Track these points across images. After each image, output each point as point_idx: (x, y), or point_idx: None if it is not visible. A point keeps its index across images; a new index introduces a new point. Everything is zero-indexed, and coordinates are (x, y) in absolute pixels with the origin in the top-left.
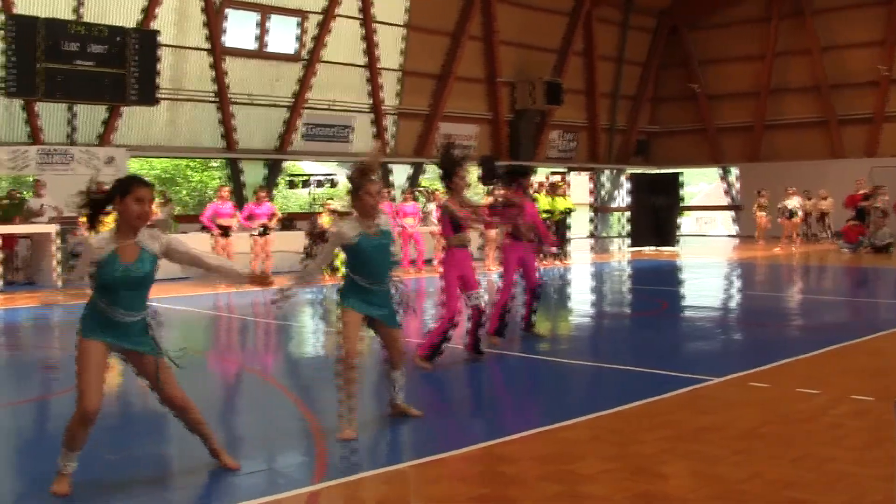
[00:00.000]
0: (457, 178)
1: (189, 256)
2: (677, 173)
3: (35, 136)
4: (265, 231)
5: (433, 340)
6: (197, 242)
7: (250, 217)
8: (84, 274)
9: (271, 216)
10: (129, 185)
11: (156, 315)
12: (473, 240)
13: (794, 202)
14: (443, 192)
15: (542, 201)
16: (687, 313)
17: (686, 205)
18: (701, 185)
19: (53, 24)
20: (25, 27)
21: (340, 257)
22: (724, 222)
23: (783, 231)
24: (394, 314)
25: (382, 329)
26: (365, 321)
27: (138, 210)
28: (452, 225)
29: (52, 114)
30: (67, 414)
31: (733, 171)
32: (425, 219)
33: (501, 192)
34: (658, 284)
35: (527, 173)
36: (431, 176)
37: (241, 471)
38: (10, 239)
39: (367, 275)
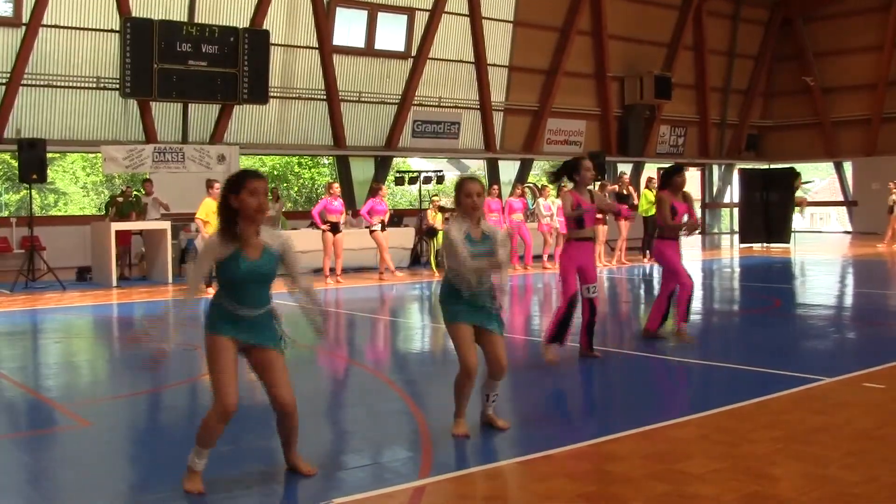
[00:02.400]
0: (583, 171)
1: (293, 268)
2: (791, 168)
3: (149, 135)
4: (384, 226)
5: (555, 324)
6: (307, 239)
7: (371, 213)
8: (205, 272)
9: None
10: (242, 180)
11: (276, 310)
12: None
13: None
14: (552, 188)
15: (651, 197)
16: (799, 311)
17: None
18: (815, 180)
19: (168, 26)
20: (141, 29)
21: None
22: (839, 218)
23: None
24: (499, 320)
25: (486, 336)
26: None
27: (255, 203)
28: (576, 218)
29: (165, 113)
30: (180, 406)
31: (848, 166)
32: (533, 215)
33: (609, 187)
34: (769, 281)
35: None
36: (539, 172)
37: (349, 465)
38: (125, 235)
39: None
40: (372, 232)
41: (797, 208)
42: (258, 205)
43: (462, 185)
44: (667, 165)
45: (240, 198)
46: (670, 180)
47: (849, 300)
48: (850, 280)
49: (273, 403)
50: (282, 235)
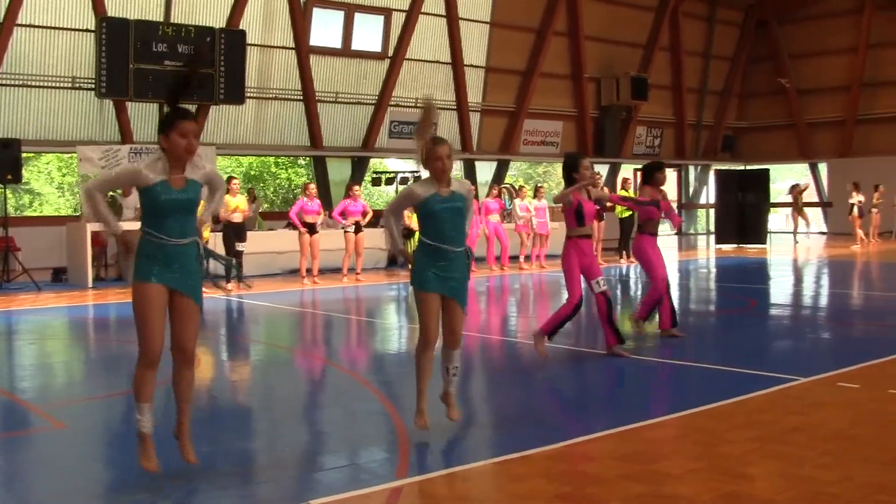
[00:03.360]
0: (582, 169)
1: (214, 194)
2: (766, 170)
3: (125, 136)
4: (358, 228)
5: (555, 321)
6: (284, 239)
7: (344, 214)
8: (118, 185)
9: (364, 213)
10: (173, 121)
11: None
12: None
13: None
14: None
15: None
16: (774, 311)
17: (774, 202)
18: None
19: (144, 26)
20: (116, 29)
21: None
22: (814, 219)
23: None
24: (464, 293)
25: (448, 305)
26: (440, 301)
27: (183, 144)
28: (577, 216)
29: (141, 113)
30: (156, 407)
31: (823, 168)
32: (509, 215)
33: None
34: (745, 282)
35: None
36: (515, 173)
37: (326, 466)
38: (101, 236)
39: (441, 239)
40: (346, 233)
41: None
42: (187, 145)
43: (431, 149)
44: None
45: (169, 139)
46: (652, 176)
47: (824, 300)
48: (825, 280)
49: (173, 350)
50: (206, 167)
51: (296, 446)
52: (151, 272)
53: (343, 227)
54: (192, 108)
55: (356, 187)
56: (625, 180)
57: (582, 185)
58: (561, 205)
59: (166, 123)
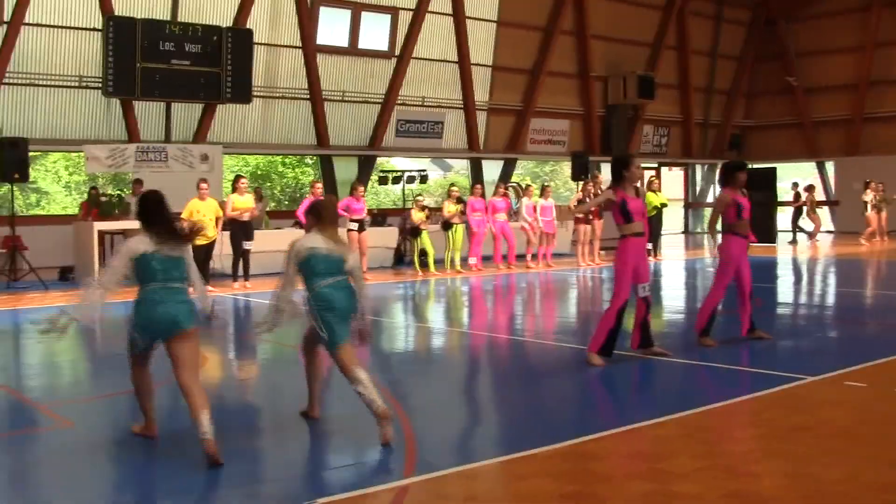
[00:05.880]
0: (633, 168)
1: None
2: (773, 168)
3: (132, 135)
4: (361, 226)
5: (604, 333)
6: (291, 238)
7: (347, 210)
8: None
9: (369, 212)
10: None
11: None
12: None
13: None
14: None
15: (654, 199)
16: (781, 310)
17: (781, 200)
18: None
19: (151, 25)
20: (124, 28)
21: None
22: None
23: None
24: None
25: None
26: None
27: None
28: (622, 213)
29: (148, 112)
30: (162, 405)
31: (830, 166)
32: (516, 214)
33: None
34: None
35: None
36: (522, 172)
37: (333, 465)
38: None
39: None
40: (349, 232)
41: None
42: None
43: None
44: (727, 161)
45: None
46: (733, 176)
47: (831, 299)
48: (832, 279)
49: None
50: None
51: (303, 445)
52: None
53: (346, 227)
54: (198, 106)
55: (360, 187)
56: (651, 180)
57: (595, 202)
58: (580, 213)
59: None
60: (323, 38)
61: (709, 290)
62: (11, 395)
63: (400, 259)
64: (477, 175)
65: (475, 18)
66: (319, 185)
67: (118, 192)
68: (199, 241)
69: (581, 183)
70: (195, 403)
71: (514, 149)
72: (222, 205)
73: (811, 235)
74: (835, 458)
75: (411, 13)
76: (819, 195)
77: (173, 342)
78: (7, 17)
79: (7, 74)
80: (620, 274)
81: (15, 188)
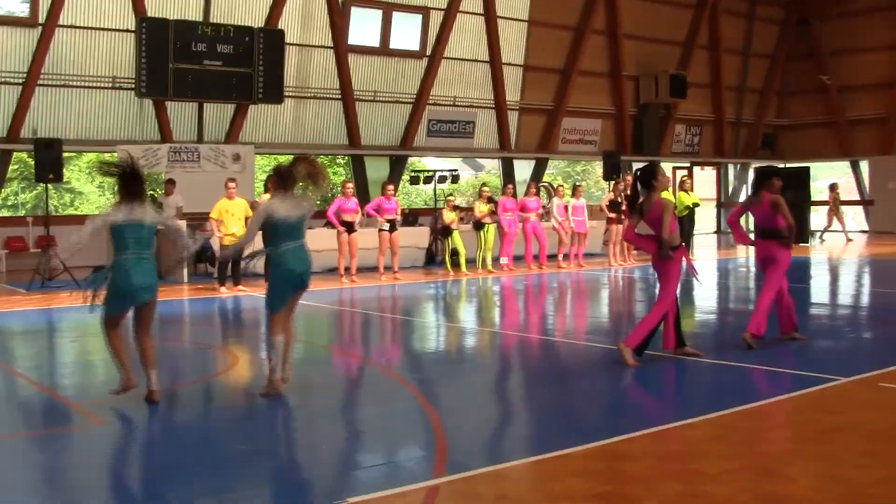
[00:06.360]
0: (661, 176)
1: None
2: (806, 167)
3: (165, 135)
4: (393, 226)
5: (645, 333)
6: (322, 238)
7: (378, 210)
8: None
9: (401, 211)
10: None
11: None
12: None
13: None
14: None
15: (686, 199)
16: (815, 311)
17: (814, 200)
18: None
19: (183, 26)
20: (156, 29)
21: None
22: (856, 217)
23: None
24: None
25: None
26: None
27: None
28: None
29: (181, 113)
30: (195, 405)
31: (864, 165)
32: (547, 214)
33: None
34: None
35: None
36: (554, 171)
37: (363, 464)
38: None
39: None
40: (380, 231)
41: None
42: None
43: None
44: (678, 166)
45: None
46: (769, 182)
47: (865, 300)
48: (866, 279)
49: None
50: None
51: (333, 444)
52: None
53: (378, 227)
54: (230, 106)
55: (390, 186)
56: (682, 180)
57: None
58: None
59: None
60: (354, 38)
61: (761, 291)
62: (45, 393)
63: (431, 259)
64: (508, 175)
65: (506, 18)
66: (351, 184)
67: (151, 192)
68: (227, 241)
69: (612, 182)
70: (149, 362)
71: (546, 148)
72: (253, 205)
73: (846, 235)
74: (869, 461)
75: (442, 13)
76: (852, 194)
77: (142, 308)
78: (41, 19)
79: (42, 76)
80: (673, 281)
81: (50, 188)
